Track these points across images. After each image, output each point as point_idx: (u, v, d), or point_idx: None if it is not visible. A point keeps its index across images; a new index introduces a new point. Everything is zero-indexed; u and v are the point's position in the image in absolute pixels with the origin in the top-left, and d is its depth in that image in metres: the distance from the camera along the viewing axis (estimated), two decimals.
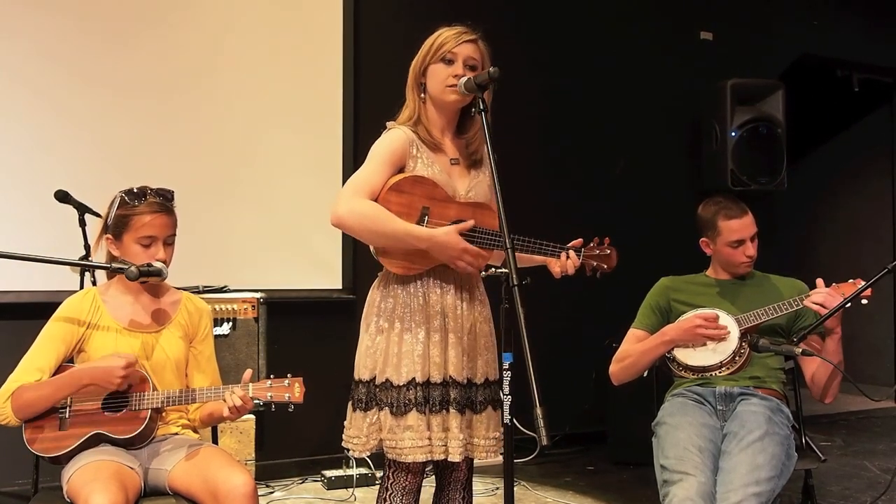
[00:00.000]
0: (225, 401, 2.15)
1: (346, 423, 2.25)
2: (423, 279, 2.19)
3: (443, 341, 2.17)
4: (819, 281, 2.56)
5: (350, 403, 2.24)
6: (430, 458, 2.15)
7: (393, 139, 2.18)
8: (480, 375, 2.23)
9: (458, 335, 2.19)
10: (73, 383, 2.14)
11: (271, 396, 2.17)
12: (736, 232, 2.73)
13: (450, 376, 2.16)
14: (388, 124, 2.26)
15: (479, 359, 2.23)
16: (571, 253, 2.23)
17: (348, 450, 2.22)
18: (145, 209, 2.25)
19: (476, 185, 2.25)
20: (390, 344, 2.17)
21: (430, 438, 2.13)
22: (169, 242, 2.30)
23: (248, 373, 2.22)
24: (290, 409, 2.19)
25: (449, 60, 2.18)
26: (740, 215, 2.74)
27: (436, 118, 2.25)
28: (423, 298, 2.18)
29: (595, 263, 2.27)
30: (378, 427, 2.17)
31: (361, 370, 2.21)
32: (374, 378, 2.18)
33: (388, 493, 2.20)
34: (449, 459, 2.15)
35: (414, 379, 2.14)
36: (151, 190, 2.30)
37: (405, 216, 2.12)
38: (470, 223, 2.14)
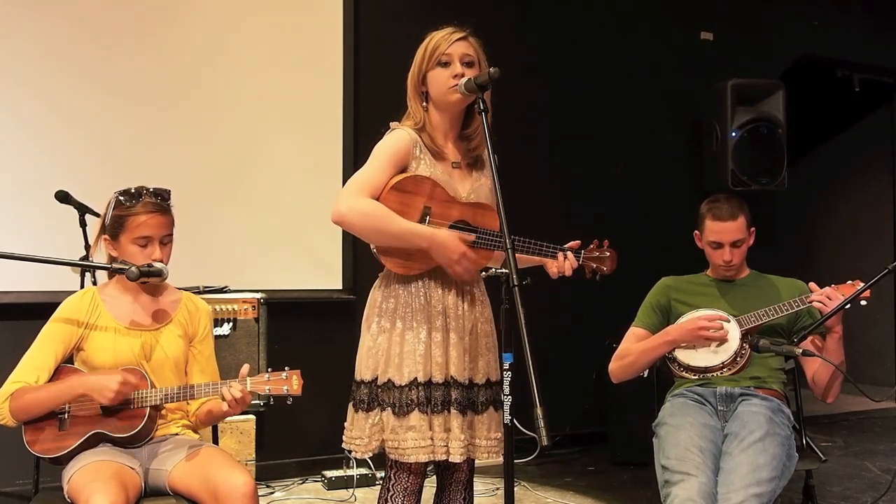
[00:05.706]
0: (223, 396, 2.14)
1: (346, 423, 2.24)
2: (425, 279, 2.18)
3: (444, 341, 2.17)
4: (812, 285, 2.57)
5: (351, 404, 2.23)
6: (432, 459, 2.14)
7: (397, 139, 2.18)
8: (482, 376, 2.22)
9: (460, 335, 2.19)
10: (69, 392, 2.15)
11: (269, 390, 2.17)
12: (714, 234, 2.75)
13: (451, 376, 2.16)
14: (392, 124, 2.25)
15: (480, 359, 2.23)
16: (570, 254, 2.22)
17: (350, 451, 2.21)
18: (141, 209, 2.24)
19: (478, 188, 2.25)
20: (392, 344, 2.17)
21: (432, 439, 2.12)
22: (165, 242, 2.29)
23: (245, 367, 2.21)
24: (288, 402, 2.18)
25: (445, 63, 2.18)
26: (725, 219, 2.72)
27: (440, 123, 2.24)
28: (425, 298, 2.18)
29: (594, 265, 2.27)
30: (380, 428, 2.16)
31: (363, 370, 2.20)
32: (376, 378, 2.17)
33: (390, 493, 2.20)
34: (450, 460, 2.14)
35: (416, 379, 2.13)
36: (147, 190, 2.29)
37: (407, 216, 2.11)
38: (471, 237, 2.14)
